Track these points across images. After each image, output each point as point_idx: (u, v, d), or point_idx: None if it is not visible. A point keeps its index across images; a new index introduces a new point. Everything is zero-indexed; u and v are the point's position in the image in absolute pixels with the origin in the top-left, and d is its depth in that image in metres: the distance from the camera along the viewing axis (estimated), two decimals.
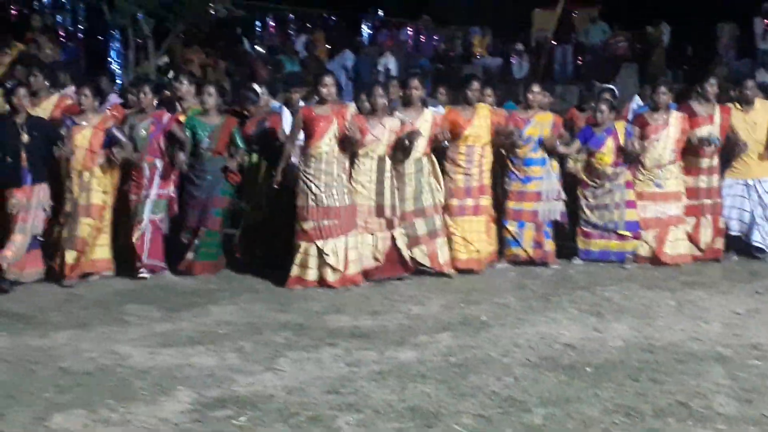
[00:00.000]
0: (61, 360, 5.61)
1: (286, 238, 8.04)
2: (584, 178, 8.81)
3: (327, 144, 7.69)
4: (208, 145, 8.20)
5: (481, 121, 8.38)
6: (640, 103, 10.04)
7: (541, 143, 8.52)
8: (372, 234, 7.93)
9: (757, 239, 8.91)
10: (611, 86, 10.27)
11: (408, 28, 20.13)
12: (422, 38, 20.03)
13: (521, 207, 8.61)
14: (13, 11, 15.16)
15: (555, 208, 8.64)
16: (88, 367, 5.46)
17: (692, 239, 8.85)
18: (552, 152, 8.57)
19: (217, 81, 12.88)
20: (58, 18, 14.42)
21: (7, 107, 7.69)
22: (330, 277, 7.67)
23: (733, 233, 9.02)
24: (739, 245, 9.04)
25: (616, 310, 6.97)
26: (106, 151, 7.89)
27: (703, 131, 8.73)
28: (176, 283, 7.93)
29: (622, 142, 8.61)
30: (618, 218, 8.65)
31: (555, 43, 18.68)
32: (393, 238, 7.97)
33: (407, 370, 5.46)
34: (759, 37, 16.68)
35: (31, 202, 7.53)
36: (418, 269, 8.16)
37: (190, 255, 8.16)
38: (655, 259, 8.72)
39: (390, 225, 7.95)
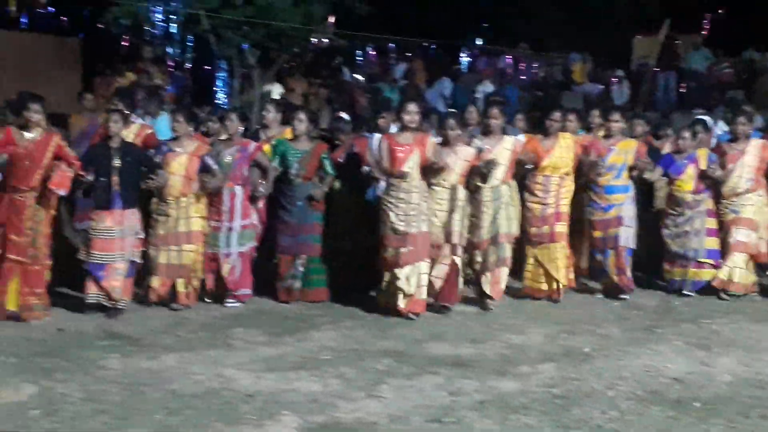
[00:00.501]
0: (171, 382, 5.75)
1: (372, 264, 8.07)
2: (665, 206, 8.74)
3: (406, 173, 7.67)
4: (298, 170, 8.27)
5: (562, 152, 8.34)
6: (725, 128, 9.82)
7: (630, 169, 8.45)
8: (434, 258, 7.87)
9: None
10: (704, 117, 10.10)
11: (506, 56, 20.08)
12: (521, 66, 19.94)
13: (606, 234, 8.50)
14: (124, 42, 15.73)
15: (632, 236, 8.49)
16: (197, 390, 5.60)
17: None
18: (637, 178, 8.51)
19: (318, 109, 13.14)
20: (168, 49, 14.88)
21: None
22: (401, 302, 7.65)
23: None
24: None
25: (724, 343, 6.82)
26: (198, 177, 8.01)
27: None
28: (279, 309, 8.06)
29: (703, 168, 8.50)
30: (698, 246, 8.53)
31: (657, 69, 18.38)
32: (454, 265, 7.92)
33: (509, 400, 5.44)
34: None
35: (123, 228, 7.60)
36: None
37: (296, 284, 8.26)
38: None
39: (453, 251, 7.91)
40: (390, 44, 19.75)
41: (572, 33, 21.99)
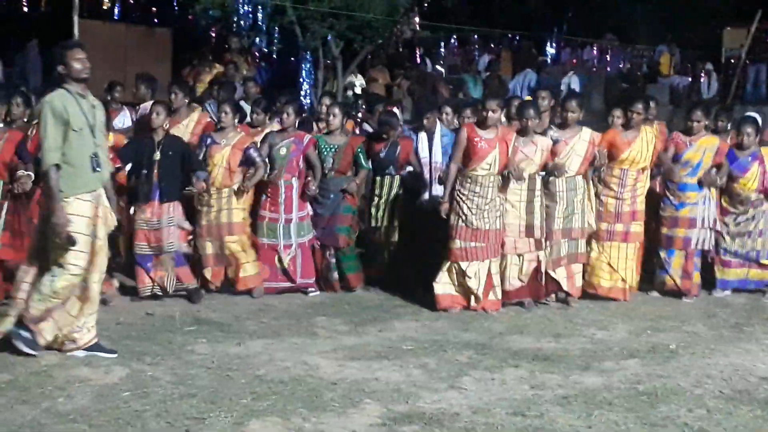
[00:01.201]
0: (257, 368, 5.86)
1: (427, 259, 8.04)
2: (725, 204, 8.49)
3: (484, 168, 7.57)
4: (332, 165, 8.31)
5: (642, 145, 8.15)
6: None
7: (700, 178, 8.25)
8: (520, 255, 7.78)
9: None
10: (754, 114, 9.66)
11: (592, 47, 19.84)
12: (607, 57, 19.68)
13: (673, 233, 8.29)
14: (212, 33, 16.01)
15: (707, 237, 8.31)
16: (282, 376, 5.69)
17: None
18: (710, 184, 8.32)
19: (400, 100, 13.17)
20: (255, 40, 15.09)
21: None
22: (471, 299, 7.62)
23: None
24: None
25: None
26: (242, 170, 8.06)
27: None
28: (360, 298, 8.13)
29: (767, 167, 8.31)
30: (761, 246, 8.36)
31: (748, 62, 17.94)
32: (539, 261, 7.82)
33: (593, 396, 5.40)
34: None
35: (162, 220, 7.64)
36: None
37: (333, 275, 8.35)
38: None
39: (538, 246, 7.80)
40: (474, 36, 19.68)
41: (660, 24, 21.60)
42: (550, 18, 20.60)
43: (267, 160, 8.18)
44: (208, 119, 8.79)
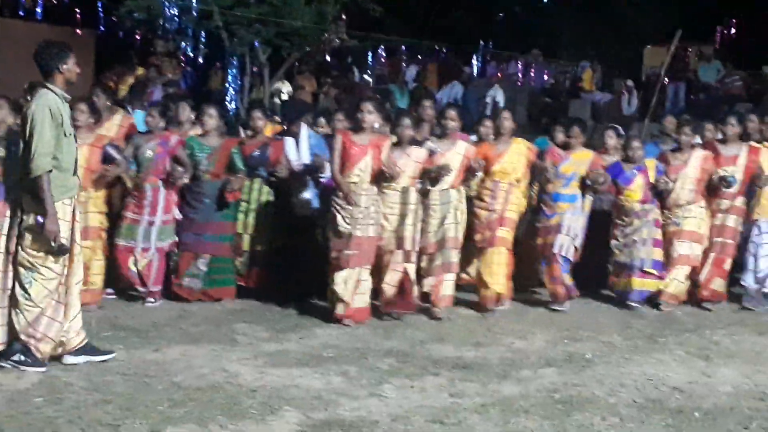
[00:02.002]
0: (174, 375, 5.78)
1: (304, 267, 8.04)
2: (614, 218, 8.62)
3: (357, 175, 7.37)
4: (206, 166, 8.10)
5: (513, 157, 8.18)
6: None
7: (582, 180, 8.35)
8: (386, 266, 7.66)
9: (749, 281, 8.64)
10: (616, 125, 9.94)
11: (517, 61, 20.14)
12: (531, 71, 20.00)
13: (545, 242, 8.38)
14: (137, 36, 15.81)
15: (570, 246, 8.30)
16: (200, 383, 5.63)
17: (691, 275, 8.67)
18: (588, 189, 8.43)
19: (327, 108, 13.17)
20: (181, 44, 14.94)
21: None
22: (338, 307, 7.38)
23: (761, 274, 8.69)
24: None
25: (725, 354, 6.84)
26: (100, 168, 7.63)
27: (726, 171, 8.54)
28: (282, 306, 8.04)
29: (652, 179, 8.47)
30: (645, 255, 8.40)
31: (667, 80, 18.40)
32: (406, 273, 7.66)
33: (511, 404, 5.46)
34: None
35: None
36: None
37: (196, 283, 8.03)
38: (691, 298, 8.61)
39: (407, 258, 7.66)
40: (402, 47, 19.80)
41: (584, 41, 22.08)
42: (477, 32, 20.85)
43: (131, 159, 7.87)
44: (132, 122, 8.63)
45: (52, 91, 5.73)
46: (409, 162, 7.66)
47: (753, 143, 8.80)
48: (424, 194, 7.82)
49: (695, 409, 5.45)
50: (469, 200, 8.23)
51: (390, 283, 7.65)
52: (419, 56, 20.07)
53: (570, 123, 8.87)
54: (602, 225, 8.63)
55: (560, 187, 8.36)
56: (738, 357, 6.76)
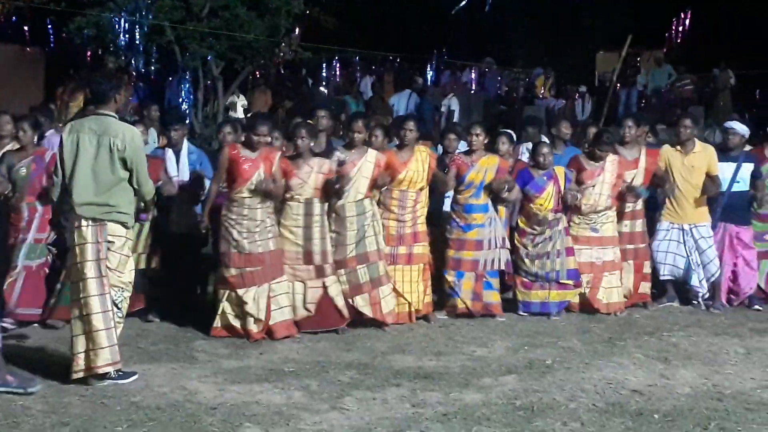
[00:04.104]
0: (133, 395, 5.71)
1: (186, 285, 7.99)
2: (522, 225, 8.45)
3: (250, 189, 7.25)
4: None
5: (417, 165, 7.99)
6: (529, 145, 9.48)
7: (486, 188, 8.19)
8: (302, 282, 7.52)
9: (695, 283, 8.71)
10: (509, 130, 9.78)
11: (471, 70, 20.26)
12: (486, 80, 20.13)
13: (460, 256, 8.18)
14: (88, 52, 15.63)
15: (500, 257, 8.20)
16: (159, 402, 5.57)
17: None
18: (497, 198, 8.27)
19: (282, 121, 13.16)
20: (132, 60, 14.80)
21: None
22: (252, 326, 7.24)
23: (666, 278, 8.83)
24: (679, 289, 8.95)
25: (683, 356, 6.91)
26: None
27: (628, 176, 8.53)
28: None
29: (562, 186, 8.32)
30: (559, 267, 8.27)
31: (618, 85, 18.63)
32: (325, 287, 7.54)
33: (472, 412, 5.47)
34: None
35: None
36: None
37: (51, 300, 7.55)
38: (587, 307, 8.45)
39: (320, 273, 7.52)
40: (356, 57, 19.85)
41: (537, 48, 22.27)
42: (431, 41, 20.94)
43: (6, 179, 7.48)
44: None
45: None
46: (311, 173, 7.53)
47: (668, 149, 8.76)
48: (338, 206, 7.67)
49: (654, 412, 5.50)
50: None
51: (311, 301, 7.50)
52: (374, 67, 20.11)
53: (470, 126, 8.72)
54: None
55: (471, 198, 8.20)
56: (696, 358, 6.84)
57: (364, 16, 21.74)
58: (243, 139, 7.80)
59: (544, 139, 9.78)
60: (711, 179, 8.63)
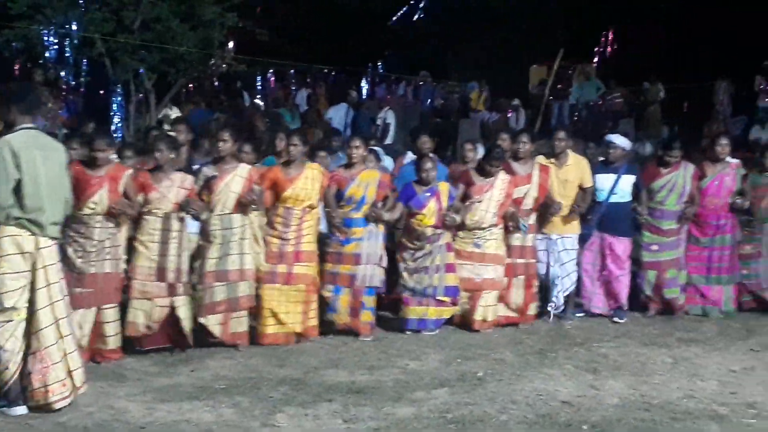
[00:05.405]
0: (59, 415, 5.60)
1: None
2: (403, 240, 8.36)
3: (90, 207, 6.93)
4: None
5: (306, 183, 7.83)
6: (412, 156, 9.53)
7: (363, 206, 8.05)
8: (149, 300, 7.22)
9: (552, 294, 8.77)
10: (377, 147, 9.65)
11: (407, 83, 20.39)
12: (421, 93, 20.28)
13: (338, 270, 8.03)
14: (16, 65, 15.35)
15: (374, 274, 8.07)
16: (86, 422, 5.48)
17: (504, 300, 8.53)
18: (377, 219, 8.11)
19: (218, 133, 13.02)
20: (62, 72, 14.56)
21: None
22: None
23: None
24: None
25: (612, 367, 7.00)
26: None
27: (521, 191, 8.51)
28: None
29: (444, 203, 8.24)
30: (437, 282, 8.16)
31: (551, 98, 18.90)
32: (173, 307, 7.28)
33: (404, 426, 5.48)
34: (763, 95, 16.85)
35: None
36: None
37: None
38: (464, 323, 8.38)
39: (172, 291, 7.26)
40: (291, 70, 19.85)
41: (471, 62, 22.49)
42: (366, 55, 21.05)
43: None
44: None
45: None
46: (172, 187, 7.36)
47: (542, 160, 8.75)
48: (204, 223, 7.50)
49: (583, 423, 5.56)
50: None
51: (156, 320, 7.24)
52: (308, 80, 20.13)
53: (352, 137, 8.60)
54: None
55: (351, 212, 8.08)
56: (624, 369, 6.93)
57: (299, 30, 21.75)
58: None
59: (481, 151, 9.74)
60: (584, 192, 8.75)
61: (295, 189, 7.78)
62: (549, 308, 8.74)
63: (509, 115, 18.77)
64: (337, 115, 17.33)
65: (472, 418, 5.65)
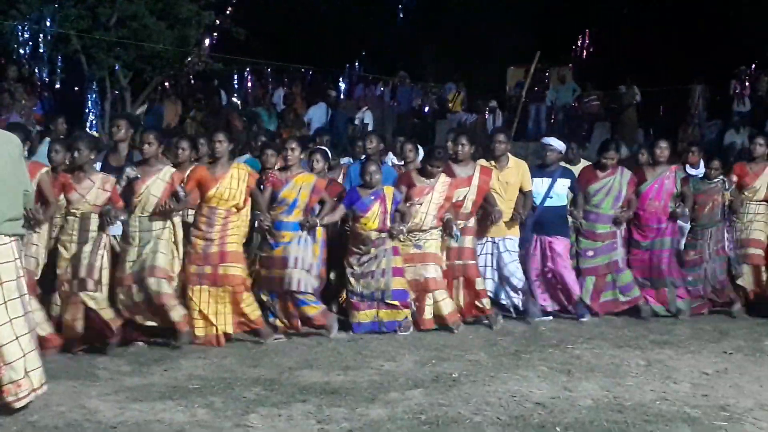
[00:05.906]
0: (30, 414, 5.53)
1: None
2: (350, 245, 8.37)
3: None
4: None
5: (231, 182, 7.76)
6: (392, 157, 9.56)
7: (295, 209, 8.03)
8: (69, 298, 7.22)
9: (502, 297, 8.86)
10: (323, 147, 9.61)
11: (385, 84, 20.39)
12: (399, 93, 20.28)
13: (272, 275, 8.02)
14: None
15: (305, 279, 7.97)
16: (57, 422, 5.41)
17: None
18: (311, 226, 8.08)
19: (195, 132, 13.00)
20: (35, 69, 14.43)
21: None
22: None
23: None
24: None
25: (586, 368, 7.01)
26: None
27: (461, 194, 8.50)
28: (147, 336, 7.84)
29: (389, 207, 8.25)
30: (384, 286, 8.17)
31: (528, 100, 18.97)
32: (84, 302, 7.21)
33: (378, 427, 5.45)
34: (738, 99, 17.01)
35: None
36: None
37: None
38: (417, 325, 8.37)
39: (81, 286, 7.20)
40: (268, 69, 19.78)
41: (449, 63, 22.51)
42: (344, 55, 21.02)
43: None
44: None
45: None
46: (92, 188, 7.30)
47: (483, 163, 8.79)
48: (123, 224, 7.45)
49: (556, 424, 5.56)
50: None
51: (73, 318, 7.19)
52: (286, 79, 20.07)
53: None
54: None
55: (282, 215, 8.03)
56: (598, 370, 6.95)
57: (276, 29, 21.69)
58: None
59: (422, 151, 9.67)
60: (524, 195, 8.80)
61: (219, 188, 7.71)
62: (501, 311, 8.75)
63: (486, 116, 18.81)
64: (318, 114, 17.33)
65: (446, 419, 5.64)
